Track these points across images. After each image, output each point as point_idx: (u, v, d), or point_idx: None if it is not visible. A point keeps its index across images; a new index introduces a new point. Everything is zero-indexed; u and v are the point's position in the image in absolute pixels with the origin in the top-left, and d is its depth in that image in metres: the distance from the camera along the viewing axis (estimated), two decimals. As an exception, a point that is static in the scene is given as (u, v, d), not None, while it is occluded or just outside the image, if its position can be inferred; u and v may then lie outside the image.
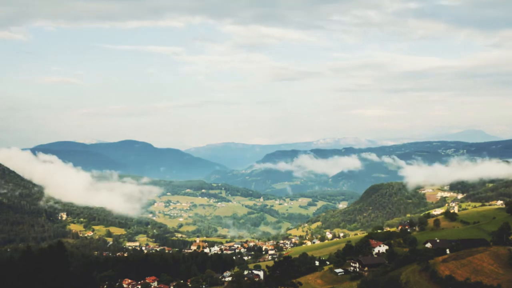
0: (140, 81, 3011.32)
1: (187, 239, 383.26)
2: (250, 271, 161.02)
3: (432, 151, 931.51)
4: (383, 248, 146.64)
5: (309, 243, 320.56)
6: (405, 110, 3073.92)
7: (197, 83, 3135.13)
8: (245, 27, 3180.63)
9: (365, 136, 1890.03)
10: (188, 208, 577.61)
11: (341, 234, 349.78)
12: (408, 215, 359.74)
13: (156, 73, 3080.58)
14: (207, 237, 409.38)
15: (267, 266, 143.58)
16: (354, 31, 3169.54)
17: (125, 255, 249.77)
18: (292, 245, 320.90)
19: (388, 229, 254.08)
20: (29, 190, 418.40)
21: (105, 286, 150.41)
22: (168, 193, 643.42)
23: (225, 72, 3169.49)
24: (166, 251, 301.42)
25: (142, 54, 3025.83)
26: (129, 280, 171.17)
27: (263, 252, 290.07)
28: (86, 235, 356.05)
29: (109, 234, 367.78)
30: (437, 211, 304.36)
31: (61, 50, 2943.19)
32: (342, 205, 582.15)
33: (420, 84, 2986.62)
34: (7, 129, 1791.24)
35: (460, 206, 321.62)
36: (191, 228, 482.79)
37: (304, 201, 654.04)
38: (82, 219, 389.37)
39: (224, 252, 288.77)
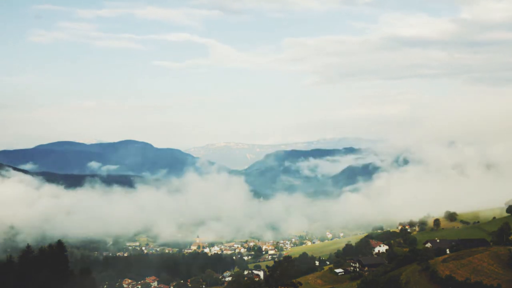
0: (140, 80, 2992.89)
1: (187, 239, 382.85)
2: (250, 271, 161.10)
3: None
4: (383, 248, 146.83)
5: (309, 243, 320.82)
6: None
7: (198, 82, 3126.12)
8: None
9: (364, 136, 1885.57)
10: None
11: (341, 234, 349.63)
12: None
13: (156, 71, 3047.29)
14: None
15: (267, 266, 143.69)
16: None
17: (125, 255, 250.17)
18: (292, 245, 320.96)
19: (388, 229, 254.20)
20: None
21: (105, 286, 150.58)
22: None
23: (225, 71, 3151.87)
24: (166, 251, 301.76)
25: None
26: (129, 280, 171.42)
27: (263, 252, 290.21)
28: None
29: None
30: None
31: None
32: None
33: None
34: (6, 128, 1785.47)
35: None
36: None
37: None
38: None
39: (224, 252, 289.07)
